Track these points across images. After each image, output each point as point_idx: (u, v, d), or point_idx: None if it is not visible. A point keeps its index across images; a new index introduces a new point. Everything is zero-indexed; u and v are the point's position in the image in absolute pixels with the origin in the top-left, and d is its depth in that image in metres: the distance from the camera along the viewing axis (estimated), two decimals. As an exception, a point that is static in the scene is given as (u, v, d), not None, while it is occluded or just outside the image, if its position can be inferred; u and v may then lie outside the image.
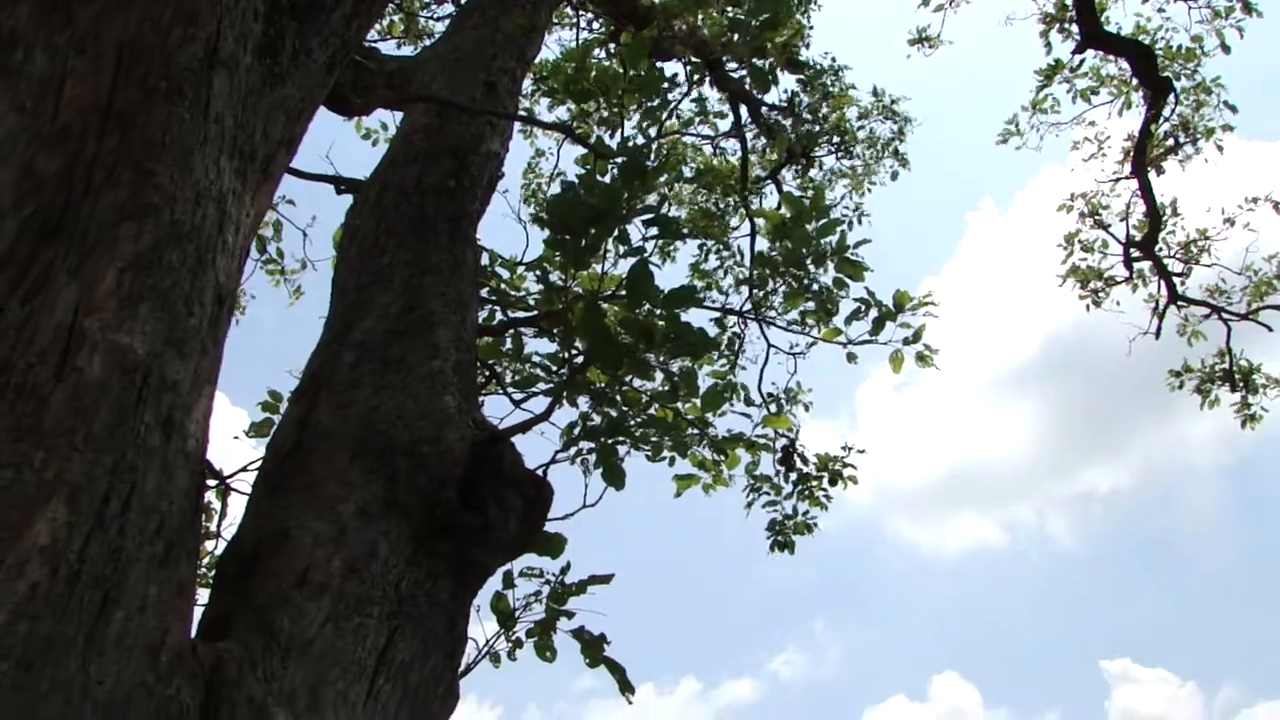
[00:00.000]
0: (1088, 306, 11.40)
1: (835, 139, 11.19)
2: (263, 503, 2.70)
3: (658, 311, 3.46)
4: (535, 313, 4.70)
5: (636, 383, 4.62)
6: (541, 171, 11.35)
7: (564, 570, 3.99)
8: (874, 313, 5.59)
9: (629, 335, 3.39)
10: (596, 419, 4.12)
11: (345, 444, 2.84)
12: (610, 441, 3.69)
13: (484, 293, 4.90)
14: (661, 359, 3.68)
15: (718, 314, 7.12)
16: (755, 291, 7.08)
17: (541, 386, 4.05)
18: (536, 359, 4.18)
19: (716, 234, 9.77)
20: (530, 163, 11.46)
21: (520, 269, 5.23)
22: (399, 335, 3.24)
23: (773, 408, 8.11)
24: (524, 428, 3.48)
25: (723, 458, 5.42)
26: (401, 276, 3.48)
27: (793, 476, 8.06)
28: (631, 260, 3.43)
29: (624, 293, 3.49)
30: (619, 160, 3.43)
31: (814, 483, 7.98)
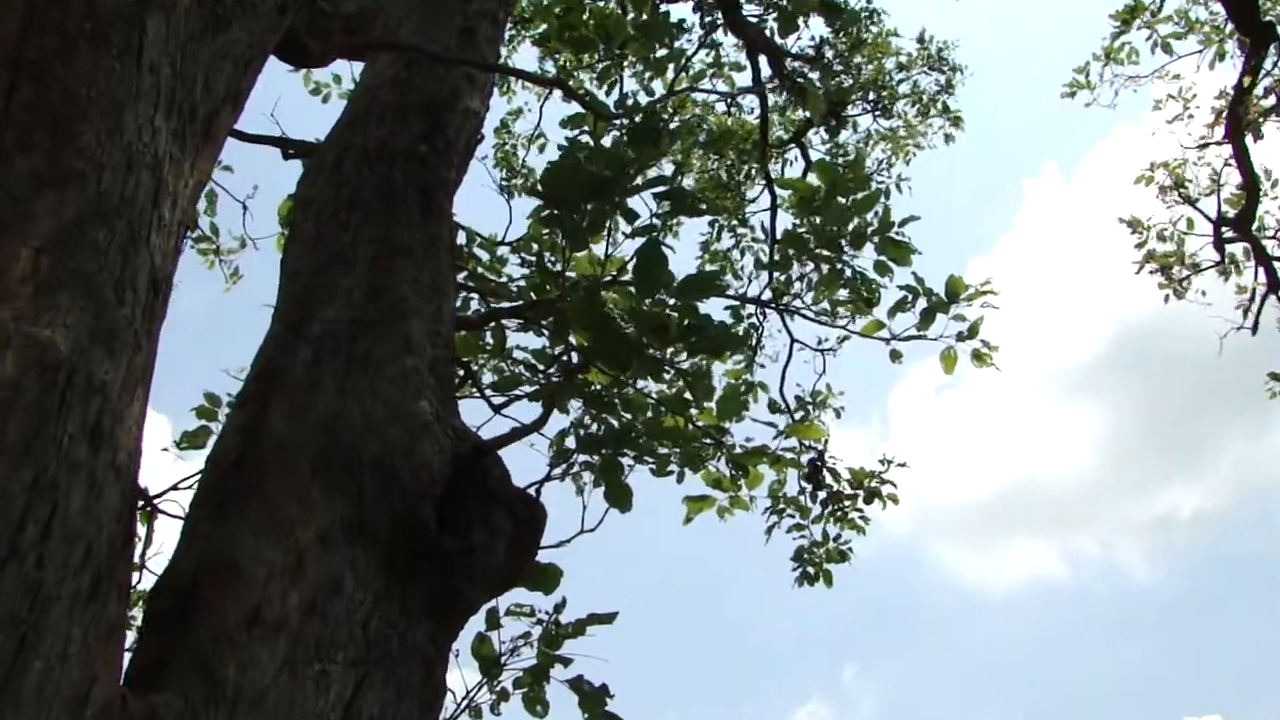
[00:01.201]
0: (1168, 296, 11.38)
1: (872, 95, 11.18)
2: (204, 526, 2.67)
3: (671, 301, 3.45)
4: (521, 302, 4.68)
5: (641, 384, 4.60)
6: (516, 132, 11.27)
7: (558, 608, 3.98)
8: (922, 303, 5.58)
9: (637, 329, 3.37)
10: (594, 427, 4.10)
11: (303, 456, 2.82)
12: (614, 454, 3.67)
13: (459, 277, 4.88)
14: (673, 357, 3.67)
15: (734, 303, 7.10)
16: (777, 277, 7.08)
17: (525, 389, 4.03)
18: (520, 356, 4.15)
19: (731, 208, 9.76)
20: (505, 120, 11.37)
21: (503, 249, 5.21)
22: (365, 327, 3.23)
23: (798, 414, 8.11)
24: (513, 438, 3.49)
25: (742, 474, 5.39)
26: (366, 257, 3.47)
27: (821, 495, 8.08)
28: (639, 240, 3.42)
29: (630, 278, 3.47)
30: (624, 121, 3.42)
31: (847, 502, 7.98)
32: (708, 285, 3.39)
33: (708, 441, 4.63)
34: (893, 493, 8.09)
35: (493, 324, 4.74)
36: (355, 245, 3.50)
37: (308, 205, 3.77)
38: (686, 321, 3.43)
